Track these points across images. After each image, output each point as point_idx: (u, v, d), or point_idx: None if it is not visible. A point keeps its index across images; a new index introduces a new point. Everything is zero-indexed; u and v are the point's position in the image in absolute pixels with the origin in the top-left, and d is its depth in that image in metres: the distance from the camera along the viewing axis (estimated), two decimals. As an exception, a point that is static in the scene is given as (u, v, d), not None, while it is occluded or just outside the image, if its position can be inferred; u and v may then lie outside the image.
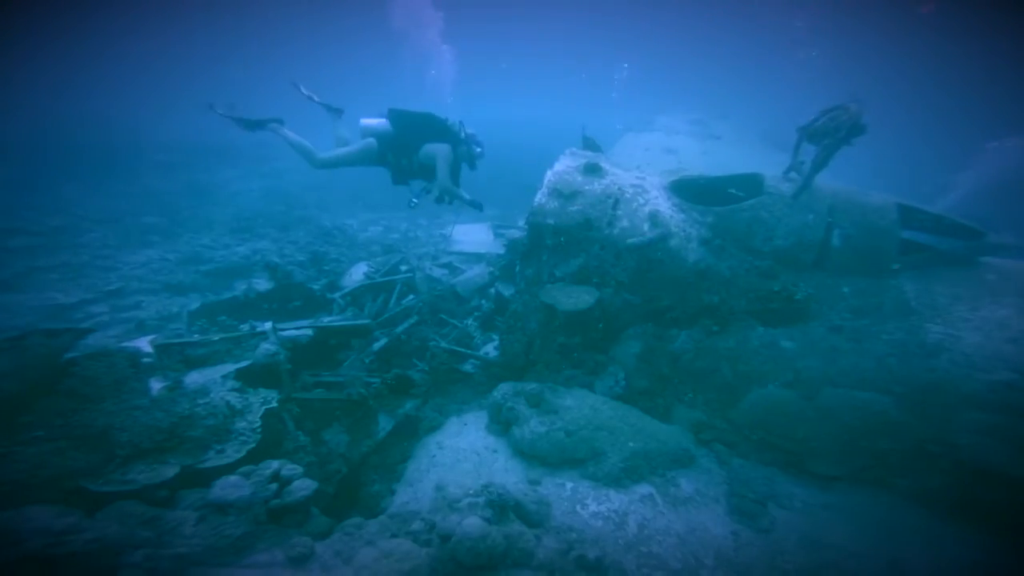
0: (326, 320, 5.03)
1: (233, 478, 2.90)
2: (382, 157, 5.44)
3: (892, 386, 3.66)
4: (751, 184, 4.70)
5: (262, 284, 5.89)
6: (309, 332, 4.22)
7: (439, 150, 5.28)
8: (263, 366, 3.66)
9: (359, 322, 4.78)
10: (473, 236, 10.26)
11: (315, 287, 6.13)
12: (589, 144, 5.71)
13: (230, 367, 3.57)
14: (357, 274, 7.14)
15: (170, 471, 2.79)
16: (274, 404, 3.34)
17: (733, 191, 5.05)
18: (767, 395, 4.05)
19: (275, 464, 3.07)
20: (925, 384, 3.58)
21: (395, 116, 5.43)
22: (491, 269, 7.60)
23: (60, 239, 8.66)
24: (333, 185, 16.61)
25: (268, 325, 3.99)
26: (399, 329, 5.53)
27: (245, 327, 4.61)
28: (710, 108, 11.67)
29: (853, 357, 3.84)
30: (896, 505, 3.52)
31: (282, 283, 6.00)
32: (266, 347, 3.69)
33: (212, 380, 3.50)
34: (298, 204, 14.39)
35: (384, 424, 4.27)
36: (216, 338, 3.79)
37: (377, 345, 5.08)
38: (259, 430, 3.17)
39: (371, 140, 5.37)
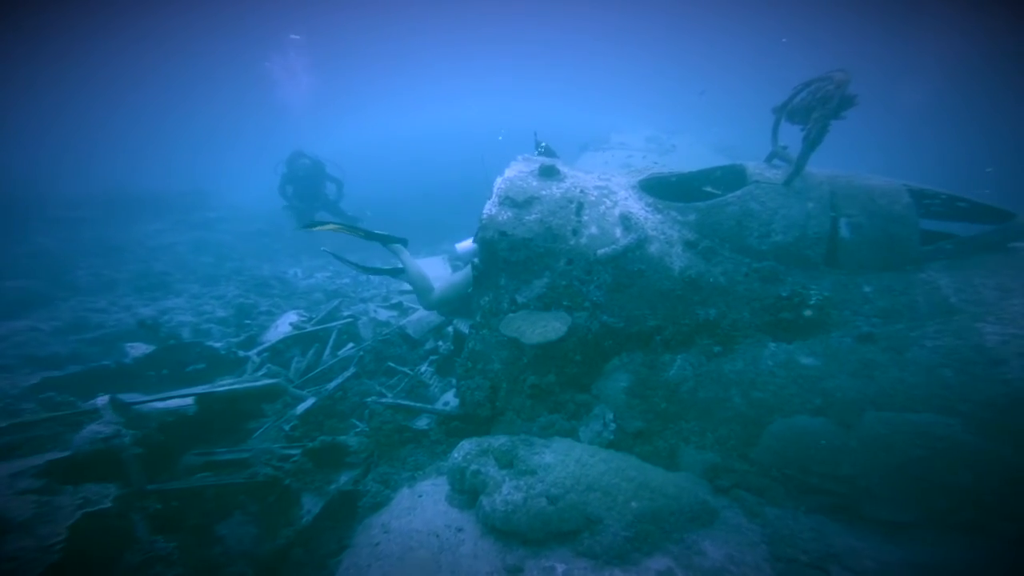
0: (222, 384, 3.91)
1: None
2: None
3: (955, 404, 2.93)
4: (731, 177, 4.09)
5: (140, 348, 4.70)
6: (190, 402, 3.13)
7: None
8: (93, 455, 2.55)
9: (262, 383, 3.73)
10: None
11: (217, 345, 4.97)
12: (545, 152, 5.05)
13: (39, 460, 2.45)
14: (284, 325, 6.03)
15: None
16: (107, 504, 2.25)
17: (709, 189, 4.44)
18: (793, 425, 3.25)
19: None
20: (999, 398, 2.86)
21: None
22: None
23: None
24: (276, 232, 15.42)
25: (103, 399, 2.89)
26: (331, 385, 4.47)
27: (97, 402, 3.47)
28: (664, 124, 11.66)
29: (894, 371, 3.12)
30: (1008, 556, 2.71)
31: (167, 344, 4.82)
32: (94, 429, 2.61)
33: (-4, 481, 2.35)
34: (232, 255, 13.08)
35: (310, 506, 3.28)
36: (5, 424, 2.65)
37: (302, 407, 4.00)
38: (61, 547, 2.06)
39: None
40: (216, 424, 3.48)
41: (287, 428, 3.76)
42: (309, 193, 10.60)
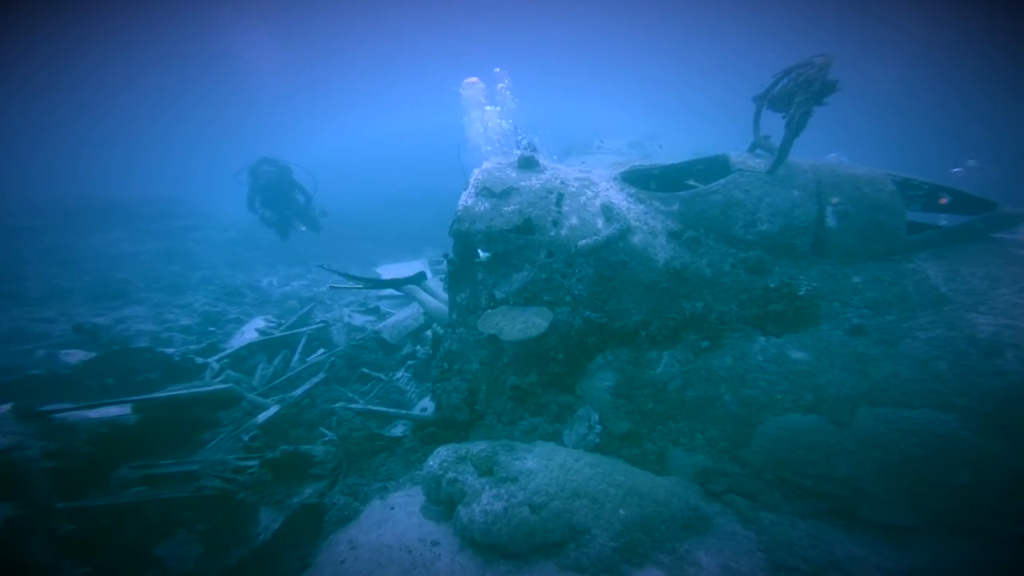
0: (168, 391, 3.57)
1: None
2: None
3: (951, 399, 2.80)
4: (714, 169, 3.98)
5: (77, 355, 4.28)
6: (127, 411, 2.80)
7: None
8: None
9: (212, 388, 3.41)
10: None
11: (171, 351, 4.60)
12: (525, 146, 4.89)
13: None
14: (250, 332, 5.68)
15: None
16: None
17: (692, 183, 4.32)
18: (786, 424, 3.09)
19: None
20: (996, 392, 2.74)
21: None
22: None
23: None
24: (251, 241, 14.91)
25: (3, 408, 2.57)
26: (297, 392, 4.16)
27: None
28: (648, 129, 11.77)
29: (888, 364, 2.98)
30: (1013, 562, 2.57)
31: (110, 350, 4.41)
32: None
33: None
34: (202, 264, 12.59)
35: (268, 522, 3.02)
36: None
37: (264, 416, 3.69)
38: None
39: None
40: (164, 435, 3.16)
41: (246, 438, 3.45)
42: (277, 202, 10.01)
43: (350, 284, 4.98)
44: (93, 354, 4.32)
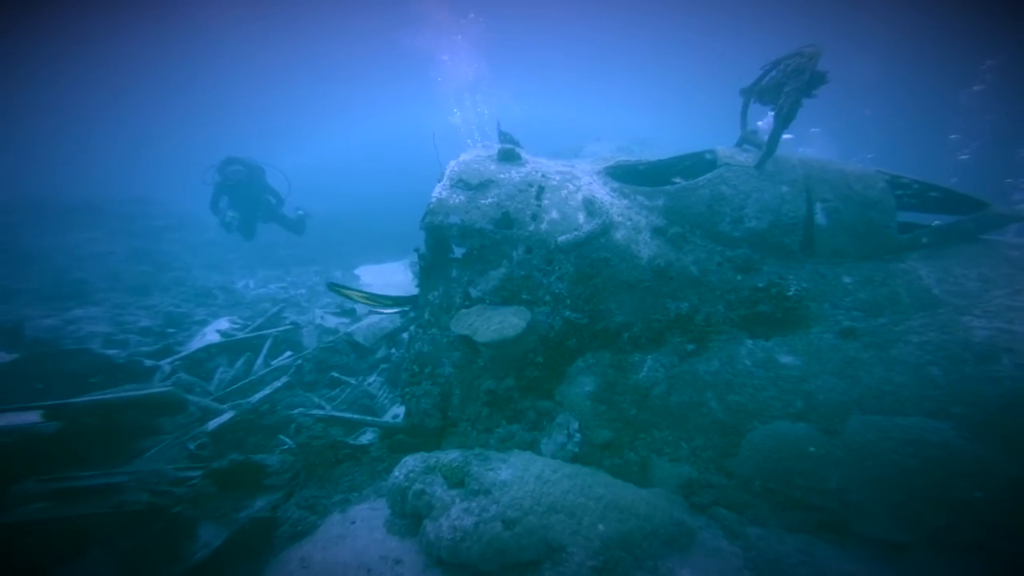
0: (92, 395, 3.21)
1: None
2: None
3: (947, 406, 2.65)
4: (701, 165, 3.84)
5: None
6: (36, 418, 2.47)
7: None
8: None
9: (146, 391, 3.11)
10: (387, 277, 8.91)
11: (113, 352, 4.24)
12: (506, 140, 4.70)
13: None
14: (212, 334, 5.34)
15: None
16: None
17: (678, 180, 4.17)
18: (774, 433, 2.91)
19: None
20: (992, 399, 2.60)
21: None
22: (403, 309, 6.19)
23: None
24: (230, 242, 14.41)
25: None
26: (256, 397, 3.85)
27: None
28: (638, 133, 11.80)
29: (880, 370, 2.83)
30: None
31: (37, 352, 4.02)
32: None
33: None
34: (176, 265, 12.10)
35: (209, 538, 2.73)
36: None
37: (215, 422, 3.38)
38: None
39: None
40: (94, 445, 2.83)
41: (192, 447, 3.14)
42: (247, 203, 9.44)
43: (367, 301, 4.73)
44: (15, 356, 3.90)
